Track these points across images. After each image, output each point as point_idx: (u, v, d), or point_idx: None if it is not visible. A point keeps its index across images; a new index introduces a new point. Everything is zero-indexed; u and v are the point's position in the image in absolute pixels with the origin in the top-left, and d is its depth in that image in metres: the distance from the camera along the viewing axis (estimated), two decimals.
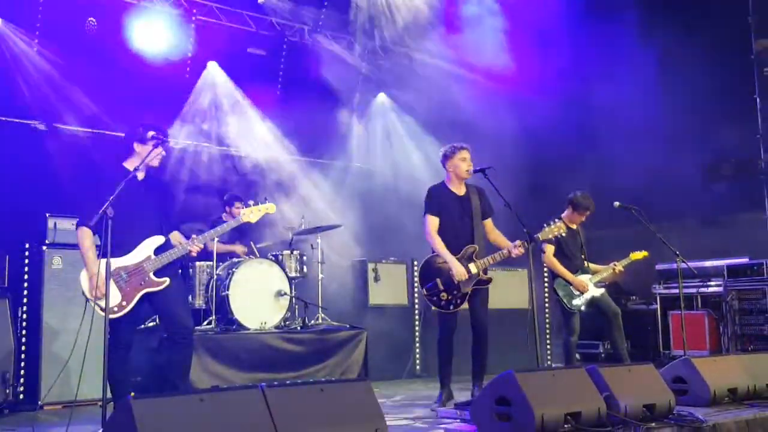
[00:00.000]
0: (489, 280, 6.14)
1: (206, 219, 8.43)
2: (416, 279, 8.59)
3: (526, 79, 9.73)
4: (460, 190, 6.28)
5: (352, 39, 10.82)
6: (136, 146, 5.13)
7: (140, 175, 5.11)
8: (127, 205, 4.85)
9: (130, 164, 5.15)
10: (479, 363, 6.15)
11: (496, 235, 6.30)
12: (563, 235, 6.35)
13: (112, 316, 4.81)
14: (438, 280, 6.02)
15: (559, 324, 7.92)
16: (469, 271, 6.00)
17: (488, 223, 6.33)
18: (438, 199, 6.19)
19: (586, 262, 7.39)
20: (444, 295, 6.01)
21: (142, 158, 5.06)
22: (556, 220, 6.19)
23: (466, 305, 6.08)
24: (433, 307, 6.12)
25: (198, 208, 8.78)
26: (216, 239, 7.47)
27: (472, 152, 6.25)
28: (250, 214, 5.28)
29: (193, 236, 5.17)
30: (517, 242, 5.98)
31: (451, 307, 6.01)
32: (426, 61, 10.78)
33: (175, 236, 5.28)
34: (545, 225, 6.16)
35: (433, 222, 6.13)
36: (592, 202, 7.33)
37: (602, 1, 9.66)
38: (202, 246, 5.24)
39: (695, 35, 8.63)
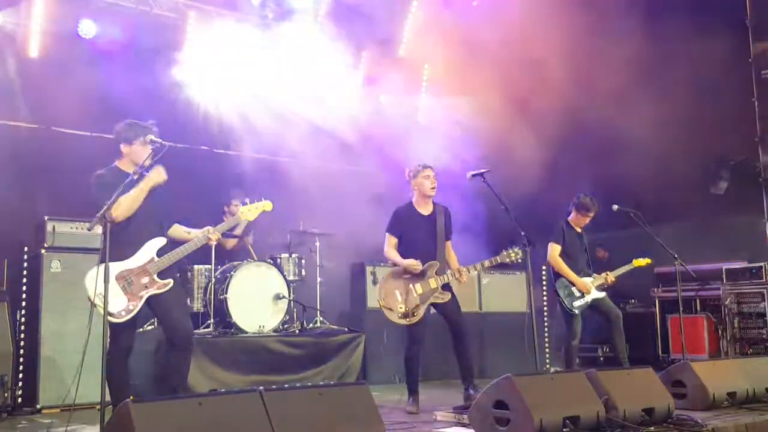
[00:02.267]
0: (447, 298, 6.20)
1: (206, 220, 8.36)
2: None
3: (527, 84, 9.74)
4: (426, 210, 6.43)
5: (350, 44, 10.81)
6: (123, 147, 5.10)
7: (136, 176, 5.06)
8: None
9: (122, 164, 5.13)
10: (465, 363, 6.21)
11: (450, 257, 6.47)
12: (519, 261, 6.31)
13: (119, 320, 4.81)
14: (397, 292, 6.13)
15: (558, 327, 7.92)
16: (428, 286, 6.14)
17: (448, 243, 6.50)
18: (402, 220, 6.36)
19: (589, 265, 7.39)
20: (401, 307, 6.10)
21: (134, 161, 5.04)
22: (515, 247, 6.15)
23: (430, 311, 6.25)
24: (391, 319, 6.16)
25: (196, 211, 8.73)
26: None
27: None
28: (247, 212, 5.28)
29: (207, 227, 5.14)
30: (462, 269, 6.18)
31: (407, 319, 6.12)
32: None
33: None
34: (503, 249, 6.20)
35: (390, 241, 6.35)
36: (595, 204, 7.37)
37: (599, 6, 9.67)
38: (219, 235, 5.22)
39: (693, 38, 8.64)
